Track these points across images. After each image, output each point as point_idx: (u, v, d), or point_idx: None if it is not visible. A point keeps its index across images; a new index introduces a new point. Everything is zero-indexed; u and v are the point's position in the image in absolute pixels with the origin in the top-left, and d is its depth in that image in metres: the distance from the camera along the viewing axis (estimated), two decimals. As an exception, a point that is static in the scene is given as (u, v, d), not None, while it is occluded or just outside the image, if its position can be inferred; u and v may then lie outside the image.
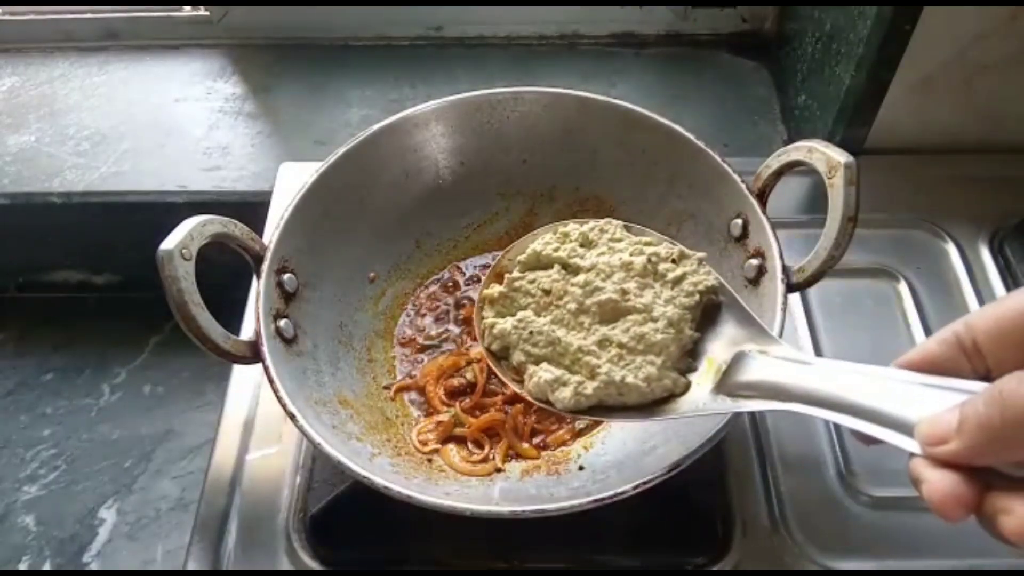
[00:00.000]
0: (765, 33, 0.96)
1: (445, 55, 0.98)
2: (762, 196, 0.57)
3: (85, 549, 0.82)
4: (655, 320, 0.48)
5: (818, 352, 0.66)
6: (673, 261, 0.51)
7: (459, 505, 0.46)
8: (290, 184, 0.78)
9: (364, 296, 0.66)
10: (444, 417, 0.61)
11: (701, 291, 0.49)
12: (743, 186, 0.57)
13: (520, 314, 0.51)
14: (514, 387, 0.50)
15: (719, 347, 0.47)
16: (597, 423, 0.60)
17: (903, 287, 0.69)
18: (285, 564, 0.57)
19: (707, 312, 0.50)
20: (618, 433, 0.59)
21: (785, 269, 0.53)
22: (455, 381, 0.63)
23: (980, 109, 0.75)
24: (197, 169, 0.88)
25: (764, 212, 0.56)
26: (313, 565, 0.57)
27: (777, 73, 0.93)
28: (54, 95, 0.96)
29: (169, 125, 0.92)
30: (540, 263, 0.53)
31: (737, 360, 0.45)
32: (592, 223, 0.54)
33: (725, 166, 0.59)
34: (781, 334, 0.49)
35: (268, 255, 0.56)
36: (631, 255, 0.51)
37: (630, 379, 0.47)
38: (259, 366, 0.51)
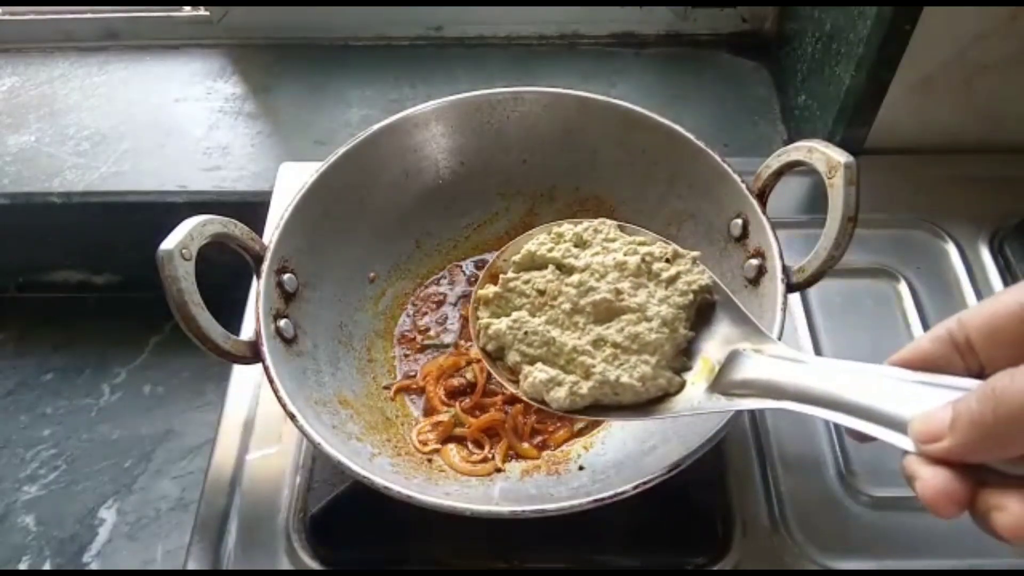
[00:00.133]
0: (765, 33, 0.96)
1: (445, 55, 0.98)
2: (762, 196, 0.57)
3: (85, 549, 0.82)
4: (649, 320, 0.48)
5: (818, 352, 0.66)
6: (667, 260, 0.51)
7: (459, 505, 0.46)
8: (290, 184, 0.78)
9: (364, 296, 0.66)
10: (444, 417, 0.61)
11: (695, 290, 0.49)
12: (743, 186, 0.57)
13: (515, 314, 0.51)
14: (510, 387, 0.50)
15: (714, 346, 0.48)
16: (597, 423, 0.60)
17: (903, 287, 0.69)
18: (285, 564, 0.57)
19: (702, 311, 0.50)
20: (618, 433, 0.59)
21: (785, 269, 0.53)
22: (455, 381, 0.63)
23: (980, 109, 0.75)
24: (197, 169, 0.88)
25: (764, 212, 0.56)
26: (313, 565, 0.57)
27: (777, 73, 0.93)
28: (54, 95, 0.96)
29: (169, 125, 0.92)
30: (534, 263, 0.53)
31: (732, 359, 0.45)
32: (586, 223, 0.54)
33: (725, 166, 0.59)
34: (781, 334, 0.49)
35: (268, 255, 0.56)
36: (625, 255, 0.51)
37: (625, 379, 0.47)
38: (259, 366, 0.51)
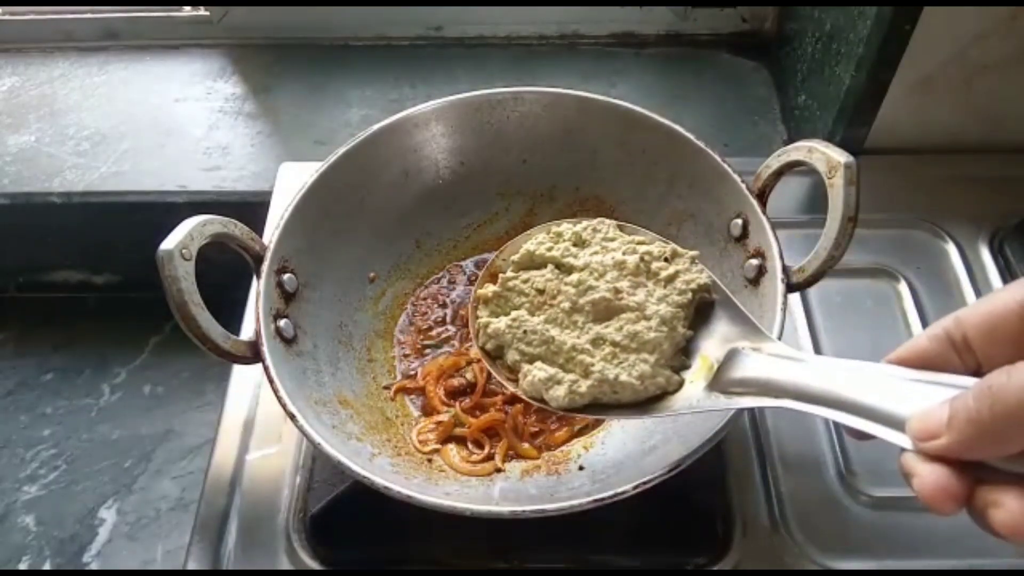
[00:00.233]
0: (765, 33, 0.96)
1: (445, 55, 0.98)
2: (762, 196, 0.57)
3: (85, 549, 0.82)
4: (648, 318, 0.48)
5: (818, 352, 0.66)
6: (666, 260, 0.51)
7: (459, 505, 0.46)
8: (290, 184, 0.78)
9: (364, 296, 0.66)
10: (444, 417, 0.61)
11: (694, 289, 0.49)
12: (743, 186, 0.57)
13: (514, 313, 0.51)
14: (509, 386, 0.50)
15: (712, 344, 0.48)
16: (597, 423, 0.60)
17: (903, 287, 0.69)
18: (285, 564, 0.57)
19: (700, 310, 0.50)
20: (618, 433, 0.59)
21: (785, 269, 0.53)
22: (455, 381, 0.63)
23: (980, 109, 0.75)
24: (197, 169, 0.88)
25: (764, 212, 0.56)
26: (313, 565, 0.57)
27: (777, 73, 0.93)
28: (54, 95, 0.96)
29: (169, 125, 0.92)
30: (534, 263, 0.53)
31: (730, 357, 0.45)
32: (585, 222, 0.55)
33: (725, 166, 0.59)
34: (781, 334, 0.49)
35: (268, 255, 0.56)
36: (624, 254, 0.51)
37: (624, 377, 0.47)
38: (259, 366, 0.51)
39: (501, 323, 0.51)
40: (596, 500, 0.45)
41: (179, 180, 0.87)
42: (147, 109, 0.94)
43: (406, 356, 0.65)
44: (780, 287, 0.52)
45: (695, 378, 0.47)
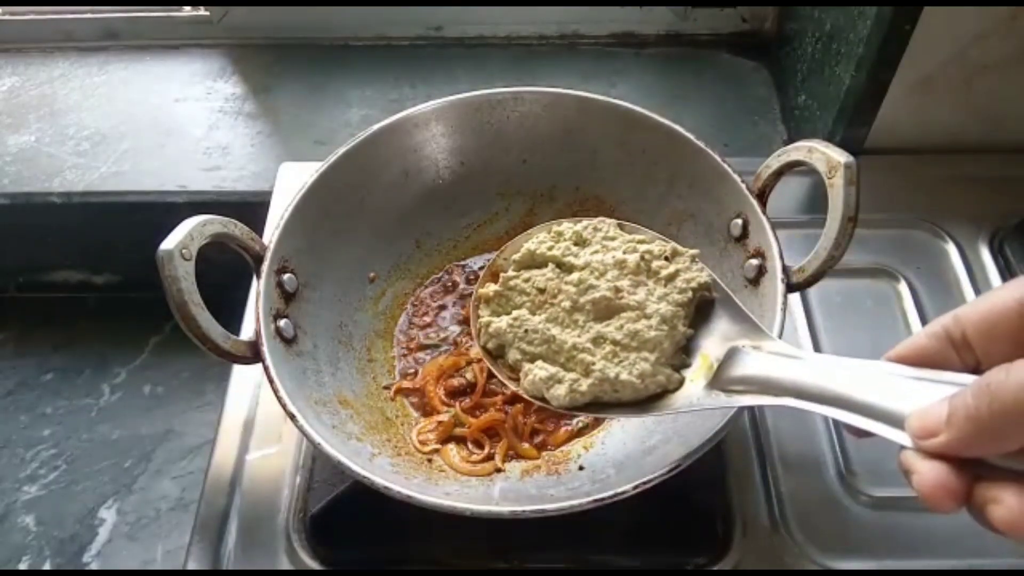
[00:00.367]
0: (765, 33, 0.96)
1: (445, 55, 0.98)
2: (762, 196, 0.57)
3: (85, 549, 0.82)
4: (648, 317, 0.48)
5: (818, 352, 0.66)
6: (666, 258, 0.51)
7: (459, 505, 0.46)
8: (290, 184, 0.78)
9: (364, 296, 0.66)
10: (444, 417, 0.61)
11: (694, 288, 0.50)
12: (743, 186, 0.57)
13: (515, 312, 0.51)
14: (510, 385, 0.51)
15: (712, 343, 0.48)
16: (597, 423, 0.60)
17: (903, 287, 0.69)
18: (285, 564, 0.57)
19: (700, 308, 0.50)
20: (618, 433, 0.59)
21: (785, 269, 0.53)
22: (455, 381, 0.63)
23: (980, 109, 0.75)
24: (197, 169, 0.88)
25: (764, 212, 0.56)
26: (313, 565, 0.57)
27: (777, 73, 0.93)
28: (54, 95, 0.96)
29: (169, 125, 0.92)
30: (534, 262, 0.53)
31: (730, 356, 0.45)
32: (586, 222, 0.55)
33: (725, 166, 0.59)
34: (781, 334, 0.49)
35: (268, 255, 0.56)
36: (624, 253, 0.51)
37: (624, 376, 0.47)
38: (259, 366, 0.51)
39: (502, 322, 0.51)
40: (596, 500, 0.45)
41: (179, 180, 0.87)
42: (147, 109, 0.94)
43: (406, 356, 0.65)
44: (780, 287, 0.52)
45: (695, 376, 0.47)
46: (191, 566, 0.58)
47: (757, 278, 0.56)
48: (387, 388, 0.63)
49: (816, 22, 0.80)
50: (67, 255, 0.97)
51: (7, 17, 0.99)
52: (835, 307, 0.69)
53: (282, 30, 0.99)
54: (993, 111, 0.75)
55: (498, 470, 0.58)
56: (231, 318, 0.62)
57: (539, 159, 0.68)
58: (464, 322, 0.66)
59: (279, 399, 0.49)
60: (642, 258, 0.51)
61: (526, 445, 0.59)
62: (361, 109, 0.93)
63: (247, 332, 0.63)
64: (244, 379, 0.66)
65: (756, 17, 0.95)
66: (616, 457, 0.57)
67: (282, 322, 0.55)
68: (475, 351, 0.64)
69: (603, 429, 0.60)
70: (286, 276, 0.57)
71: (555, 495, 0.54)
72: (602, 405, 0.48)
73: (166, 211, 0.86)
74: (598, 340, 0.49)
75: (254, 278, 0.56)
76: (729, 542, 0.57)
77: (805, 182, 0.76)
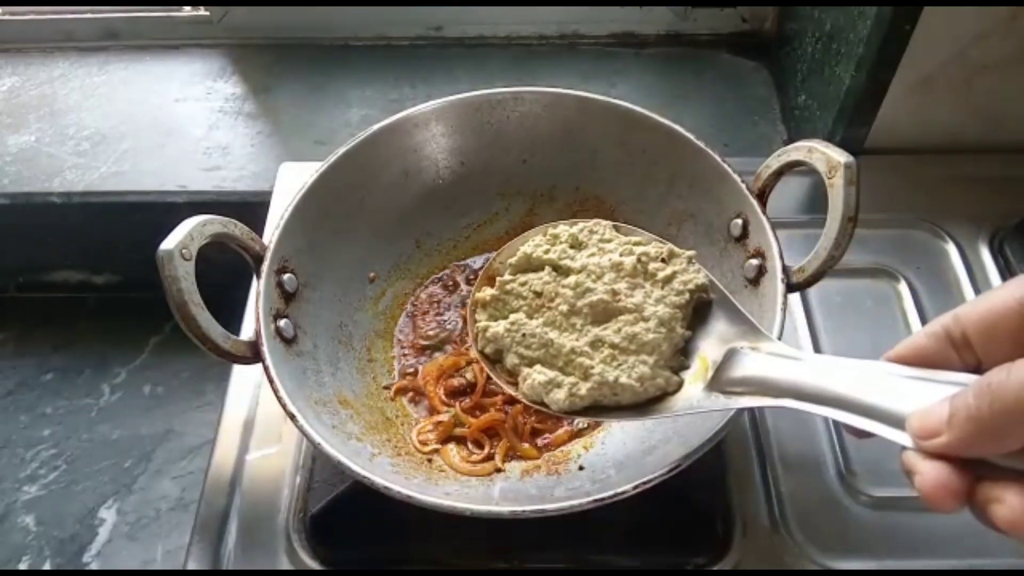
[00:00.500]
0: (765, 33, 0.96)
1: (445, 55, 0.98)
2: (762, 196, 0.57)
3: (85, 549, 0.82)
4: (646, 320, 0.48)
5: (818, 352, 0.66)
6: (663, 260, 0.51)
7: (459, 505, 0.46)
8: (290, 184, 0.78)
9: (364, 296, 0.66)
10: (444, 417, 0.61)
11: (691, 289, 0.49)
12: (743, 186, 0.57)
13: (512, 317, 0.51)
14: (509, 390, 0.50)
15: (711, 345, 0.48)
16: (597, 423, 0.60)
17: (903, 287, 0.69)
18: (285, 564, 0.57)
19: (698, 310, 0.50)
20: (618, 433, 0.59)
21: (785, 269, 0.53)
22: (455, 381, 0.63)
23: (980, 109, 0.75)
24: (197, 169, 0.88)
25: (764, 212, 0.56)
26: (313, 565, 0.57)
27: (777, 73, 0.93)
28: (54, 95, 0.96)
29: (169, 125, 0.92)
30: (531, 265, 0.53)
31: (729, 357, 0.45)
32: (581, 224, 0.54)
33: (725, 166, 0.59)
34: (781, 334, 0.49)
35: (268, 255, 0.56)
36: (621, 255, 0.51)
37: (623, 379, 0.47)
38: (259, 366, 0.51)
39: (500, 327, 0.51)
40: (596, 500, 0.45)
41: (179, 180, 0.87)
42: (147, 109, 0.94)
43: (406, 356, 0.65)
44: (780, 287, 0.52)
45: (694, 379, 0.47)
46: (191, 566, 0.58)
47: (757, 278, 0.56)
48: (387, 388, 0.63)
49: (816, 22, 0.80)
50: (67, 255, 0.97)
51: (7, 17, 0.99)
52: (835, 307, 0.69)
53: (282, 30, 0.99)
54: (993, 111, 0.75)
55: (498, 470, 0.58)
56: (231, 318, 0.62)
57: (539, 159, 0.68)
58: (464, 322, 0.66)
59: (279, 399, 0.49)
60: (639, 260, 0.51)
61: (526, 445, 0.59)
62: (361, 109, 0.93)
63: (247, 332, 0.63)
64: (244, 379, 0.66)
65: (756, 17, 0.95)
66: (616, 457, 0.57)
67: (282, 322, 0.55)
68: (474, 353, 0.64)
69: (603, 429, 0.60)
70: (286, 276, 0.57)
71: (555, 495, 0.54)
72: (601, 409, 0.48)
73: (166, 211, 0.86)
74: (596, 343, 0.48)
75: (254, 278, 0.56)
76: (729, 542, 0.57)
77: (805, 182, 0.76)
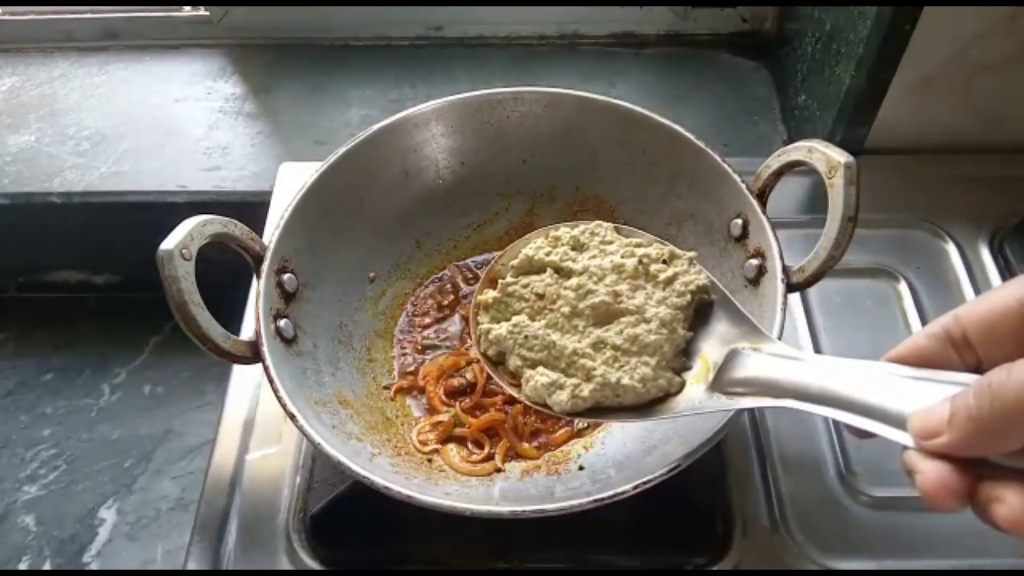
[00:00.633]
0: (765, 33, 0.96)
1: (445, 55, 0.98)
2: (762, 196, 0.57)
3: (85, 549, 0.82)
4: (648, 321, 0.48)
5: (818, 352, 0.66)
6: (664, 262, 0.51)
7: (459, 505, 0.46)
8: (290, 184, 0.78)
9: (364, 296, 0.66)
10: (444, 417, 0.61)
11: (692, 291, 0.49)
12: (743, 186, 0.57)
13: (515, 319, 0.51)
14: (511, 391, 0.51)
15: (712, 345, 0.48)
16: (597, 423, 0.60)
17: (903, 287, 0.69)
18: (285, 564, 0.57)
19: (700, 311, 0.50)
20: (618, 433, 0.59)
21: (785, 269, 0.53)
22: (455, 381, 0.63)
23: (980, 109, 0.75)
24: (197, 169, 0.88)
25: (764, 212, 0.56)
26: (313, 565, 0.57)
27: (777, 73, 0.93)
28: (54, 95, 0.96)
29: (169, 125, 0.92)
30: (533, 268, 0.53)
31: (731, 358, 0.45)
32: (583, 226, 0.55)
33: (725, 166, 0.59)
34: (781, 334, 0.49)
35: (268, 255, 0.56)
36: (622, 257, 0.51)
37: (625, 380, 0.47)
38: (259, 366, 0.51)
39: (502, 329, 0.51)
40: (596, 500, 0.45)
41: (179, 180, 0.87)
42: (147, 109, 0.94)
43: (406, 356, 0.65)
44: (780, 287, 0.52)
45: (696, 379, 0.47)
46: (191, 566, 0.58)
47: (757, 278, 0.56)
48: (387, 388, 0.63)
49: (816, 22, 0.80)
50: (67, 255, 0.97)
51: (7, 17, 0.99)
52: (835, 307, 0.69)
53: (282, 30, 0.99)
54: (993, 111, 0.75)
55: (498, 470, 0.58)
56: (231, 318, 0.62)
57: (539, 159, 0.68)
58: (464, 322, 0.66)
59: (279, 399, 0.49)
60: (640, 262, 0.51)
61: (526, 445, 0.59)
62: (361, 109, 0.93)
63: (247, 332, 0.63)
64: (244, 379, 0.66)
65: (756, 17, 0.95)
66: (616, 457, 0.57)
67: (282, 322, 0.55)
68: (475, 353, 0.64)
69: (603, 429, 0.60)
70: (286, 276, 0.57)
71: (555, 495, 0.54)
72: (604, 410, 0.48)
73: (166, 211, 0.86)
74: (598, 345, 0.49)
75: (254, 278, 0.56)
76: (729, 542, 0.57)
77: (805, 182, 0.76)
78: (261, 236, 0.57)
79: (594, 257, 0.52)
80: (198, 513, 0.60)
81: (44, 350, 0.96)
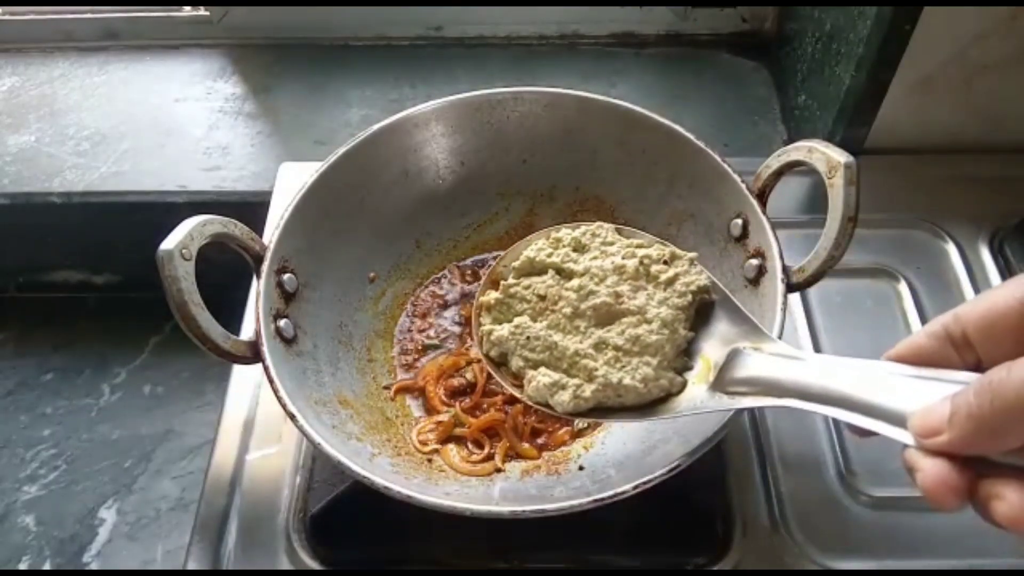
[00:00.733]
0: (765, 33, 0.96)
1: (445, 55, 0.98)
2: (762, 196, 0.57)
3: (85, 549, 0.82)
4: (649, 321, 0.49)
5: (818, 352, 0.66)
6: (665, 262, 0.52)
7: (459, 505, 0.46)
8: (290, 184, 0.78)
9: (364, 296, 0.66)
10: (444, 417, 0.61)
11: (693, 291, 0.50)
12: (743, 186, 0.57)
13: (517, 320, 0.51)
14: (514, 392, 0.51)
15: (714, 345, 0.48)
16: (597, 423, 0.60)
17: (903, 287, 0.69)
18: (285, 564, 0.57)
19: (701, 311, 0.50)
20: (618, 433, 0.59)
21: (785, 269, 0.53)
22: (455, 381, 0.63)
23: (980, 109, 0.75)
24: (197, 169, 0.88)
25: (764, 212, 0.56)
26: (313, 565, 0.57)
27: (777, 73, 0.93)
28: (54, 95, 0.96)
29: (169, 125, 0.92)
30: (534, 269, 0.53)
31: (732, 357, 0.45)
32: (584, 227, 0.55)
33: (725, 166, 0.59)
34: (781, 334, 0.49)
35: (268, 255, 0.56)
36: (623, 258, 0.52)
37: (627, 380, 0.47)
38: (259, 366, 0.51)
39: (504, 330, 0.51)
40: (596, 500, 0.45)
41: (179, 180, 0.87)
42: (147, 109, 0.94)
43: (406, 356, 0.65)
44: (780, 287, 0.52)
45: (698, 379, 0.47)
46: (191, 566, 0.58)
47: (757, 278, 0.56)
48: (387, 388, 0.63)
49: (816, 22, 0.80)
50: (67, 255, 0.97)
51: (7, 17, 0.99)
52: (835, 307, 0.69)
53: (282, 30, 0.99)
54: (993, 111, 0.75)
55: (498, 470, 0.58)
56: (231, 318, 0.62)
57: (539, 159, 0.68)
58: (464, 322, 0.67)
59: (279, 399, 0.49)
60: (641, 263, 0.51)
61: (526, 445, 0.59)
62: (361, 109, 0.93)
63: (247, 332, 0.63)
64: (244, 379, 0.66)
65: (756, 17, 0.95)
66: (616, 457, 0.57)
67: (282, 322, 0.55)
68: (475, 351, 0.64)
69: (603, 429, 0.60)
70: (286, 276, 0.57)
71: (555, 495, 0.54)
72: (606, 410, 0.48)
73: (166, 211, 0.86)
74: (600, 346, 0.49)
75: (254, 278, 0.56)
76: (729, 542, 0.57)
77: (805, 182, 0.76)
78: (261, 236, 0.57)
79: (595, 258, 0.52)
80: (198, 513, 0.60)
81: (44, 350, 0.96)
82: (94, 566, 0.81)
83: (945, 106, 0.75)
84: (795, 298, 0.68)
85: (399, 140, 0.65)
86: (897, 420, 0.33)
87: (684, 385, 0.48)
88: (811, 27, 0.82)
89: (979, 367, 0.32)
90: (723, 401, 0.44)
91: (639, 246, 0.53)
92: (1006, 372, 0.29)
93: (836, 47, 0.75)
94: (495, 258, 0.67)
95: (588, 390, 0.47)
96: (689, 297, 0.49)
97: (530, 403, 0.50)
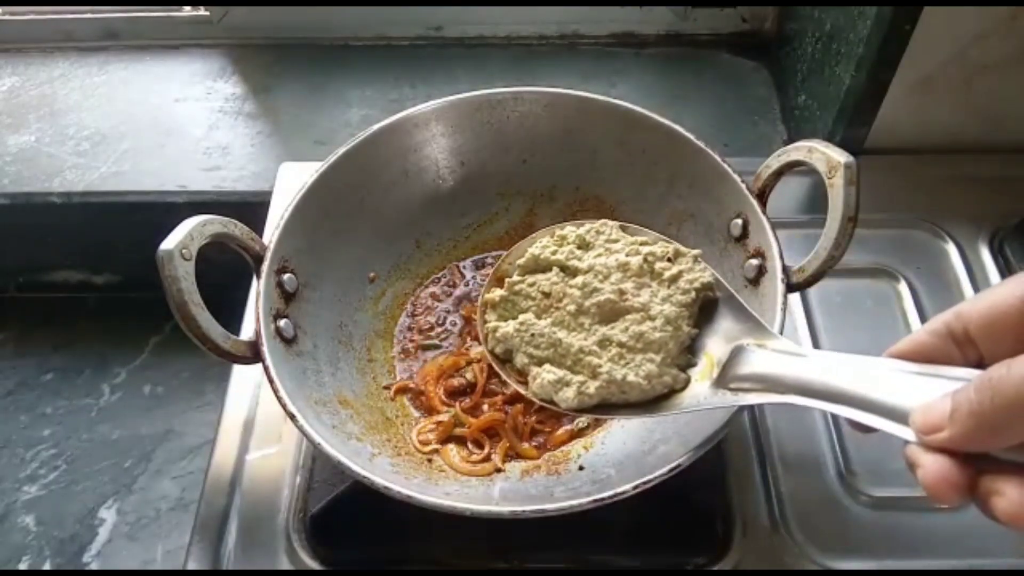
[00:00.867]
0: (765, 33, 0.96)
1: (445, 55, 0.98)
2: (762, 196, 0.57)
3: (85, 549, 0.82)
4: (653, 318, 0.49)
5: (818, 352, 0.66)
6: (669, 260, 0.52)
7: (459, 505, 0.46)
8: (290, 184, 0.78)
9: (364, 296, 0.66)
10: (444, 417, 0.61)
11: (697, 288, 0.50)
12: (743, 186, 0.57)
13: (521, 317, 0.52)
14: (519, 389, 0.51)
15: (717, 342, 0.48)
16: (598, 423, 0.60)
17: (903, 287, 0.69)
18: (285, 564, 0.57)
19: (704, 308, 0.50)
20: (618, 433, 0.59)
21: (785, 269, 0.53)
22: (455, 381, 0.63)
23: (980, 109, 0.75)
24: (197, 169, 0.88)
25: (764, 212, 0.56)
26: (313, 565, 0.57)
27: (777, 73, 0.93)
28: (54, 95, 0.96)
29: (169, 125, 0.92)
30: (539, 266, 0.54)
31: (735, 354, 0.45)
32: (588, 225, 0.55)
33: (725, 166, 0.59)
34: (781, 334, 0.49)
35: (268, 255, 0.56)
36: (627, 255, 0.52)
37: (631, 377, 0.47)
38: (259, 366, 0.51)
39: (509, 327, 0.51)
40: (596, 500, 0.45)
41: (179, 180, 0.87)
42: (147, 109, 0.94)
43: (406, 356, 0.65)
44: (780, 287, 0.52)
45: (701, 376, 0.48)
46: (191, 566, 0.58)
47: (757, 278, 0.56)
48: (387, 388, 0.63)
49: (816, 22, 0.80)
50: (67, 255, 0.97)
51: (7, 17, 0.99)
52: (835, 307, 0.69)
53: (282, 30, 0.99)
54: (993, 111, 0.75)
55: (498, 470, 0.58)
56: (231, 318, 0.62)
57: (539, 159, 0.68)
58: (464, 322, 0.67)
59: (279, 399, 0.49)
60: (645, 260, 0.51)
61: (526, 445, 0.59)
62: (361, 109, 0.93)
63: (247, 332, 0.63)
64: (244, 379, 0.66)
65: (756, 17, 0.95)
66: (616, 457, 0.57)
67: (282, 322, 0.55)
68: (475, 351, 0.64)
69: (603, 429, 0.60)
70: (286, 276, 0.57)
71: (555, 495, 0.54)
72: (610, 406, 0.49)
73: (166, 211, 0.86)
74: (604, 342, 0.49)
75: (254, 278, 0.56)
76: (729, 542, 0.57)
77: (805, 182, 0.76)
78: (261, 236, 0.57)
79: (599, 256, 0.52)
80: (198, 513, 0.60)
81: (44, 350, 0.96)
82: (94, 566, 0.81)
83: (945, 106, 0.75)
84: (795, 298, 0.68)
85: (399, 140, 0.65)
86: (898, 416, 0.33)
87: (688, 382, 0.48)
88: (811, 27, 0.82)
89: (980, 364, 0.33)
90: (726, 398, 0.45)
91: (643, 243, 0.53)
92: (1006, 369, 0.29)
93: (836, 47, 0.75)
94: (495, 258, 0.67)
95: (592, 386, 0.48)
96: (693, 294, 0.50)
97: (535, 399, 0.50)
